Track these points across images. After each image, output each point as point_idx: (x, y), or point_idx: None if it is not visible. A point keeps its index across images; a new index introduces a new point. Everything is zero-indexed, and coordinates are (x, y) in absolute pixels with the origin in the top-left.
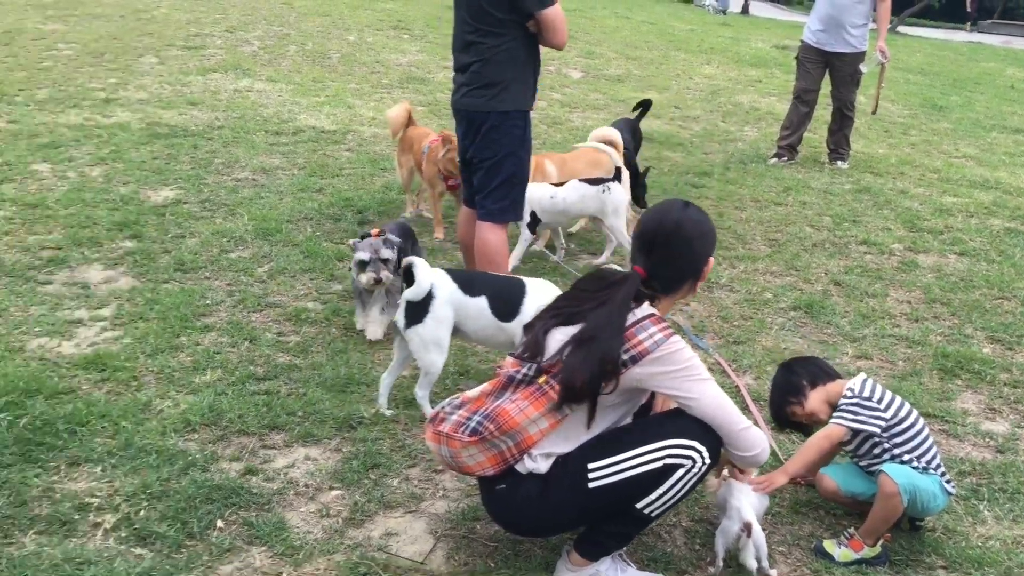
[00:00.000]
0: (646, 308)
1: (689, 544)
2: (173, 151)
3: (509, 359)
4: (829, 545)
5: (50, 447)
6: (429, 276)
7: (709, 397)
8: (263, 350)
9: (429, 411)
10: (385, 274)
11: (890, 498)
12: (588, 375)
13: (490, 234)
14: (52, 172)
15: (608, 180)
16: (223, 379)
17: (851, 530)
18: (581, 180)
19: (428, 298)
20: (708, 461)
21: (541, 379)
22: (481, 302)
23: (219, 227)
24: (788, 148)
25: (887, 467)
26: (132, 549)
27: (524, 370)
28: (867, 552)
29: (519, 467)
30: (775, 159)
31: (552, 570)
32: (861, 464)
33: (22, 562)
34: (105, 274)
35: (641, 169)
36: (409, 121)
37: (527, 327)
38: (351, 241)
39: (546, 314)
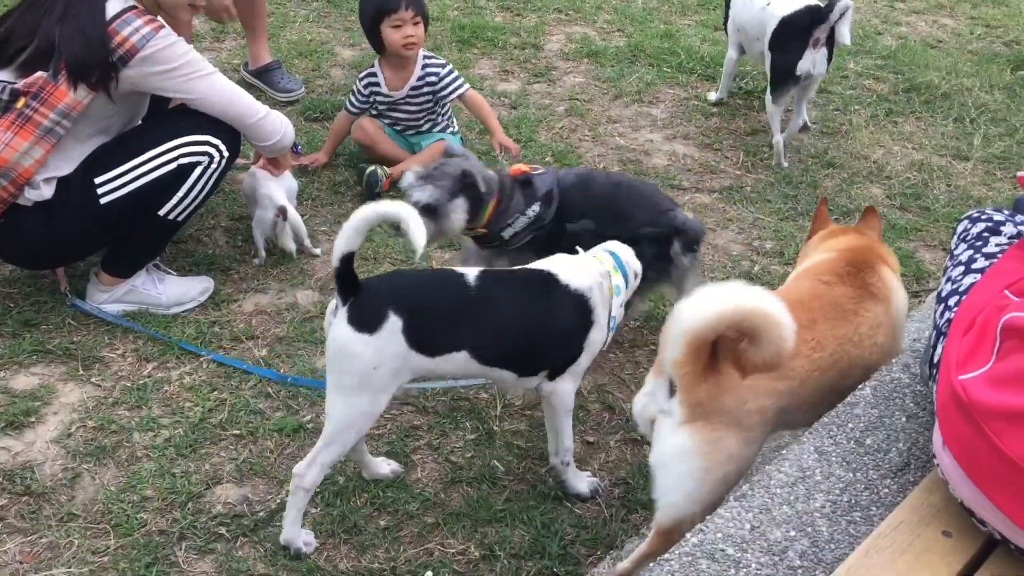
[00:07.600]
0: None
1: (231, 242)
2: None
3: None
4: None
5: None
6: None
7: (215, 93)
8: None
9: None
10: None
11: None
12: (88, 48)
13: None
14: None
15: None
16: None
17: None
18: None
19: None
20: (227, 155)
21: (20, 103)
22: None
23: None
24: None
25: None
26: None
27: None
28: None
29: (22, 201)
30: None
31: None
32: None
33: None
34: None
35: None
36: None
37: None
38: None
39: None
